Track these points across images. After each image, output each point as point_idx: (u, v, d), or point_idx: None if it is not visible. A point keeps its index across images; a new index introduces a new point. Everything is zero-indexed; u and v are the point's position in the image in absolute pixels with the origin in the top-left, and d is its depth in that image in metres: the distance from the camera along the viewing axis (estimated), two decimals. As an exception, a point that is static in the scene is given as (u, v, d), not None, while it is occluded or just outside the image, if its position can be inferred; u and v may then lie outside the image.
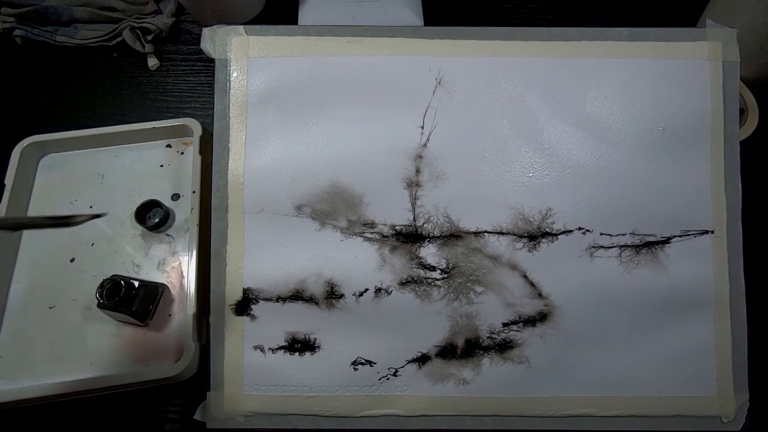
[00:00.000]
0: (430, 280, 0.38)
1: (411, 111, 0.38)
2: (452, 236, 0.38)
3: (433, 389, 0.38)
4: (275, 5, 0.58)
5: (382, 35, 0.39)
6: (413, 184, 0.38)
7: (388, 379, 0.38)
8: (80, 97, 0.54)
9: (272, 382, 0.38)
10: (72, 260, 0.44)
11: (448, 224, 0.38)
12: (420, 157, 0.38)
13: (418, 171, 0.38)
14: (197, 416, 0.38)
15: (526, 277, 0.38)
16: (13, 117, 0.53)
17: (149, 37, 0.55)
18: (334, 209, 0.38)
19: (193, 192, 0.44)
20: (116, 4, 0.55)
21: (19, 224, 0.40)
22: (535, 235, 0.38)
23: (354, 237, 0.38)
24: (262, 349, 0.38)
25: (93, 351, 0.40)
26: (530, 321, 0.38)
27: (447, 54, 0.39)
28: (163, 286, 0.42)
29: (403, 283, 0.38)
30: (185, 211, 0.45)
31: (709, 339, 0.37)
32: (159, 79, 0.55)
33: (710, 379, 0.37)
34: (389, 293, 0.38)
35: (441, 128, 0.39)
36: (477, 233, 0.38)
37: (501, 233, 0.38)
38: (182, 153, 0.48)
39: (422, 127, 0.38)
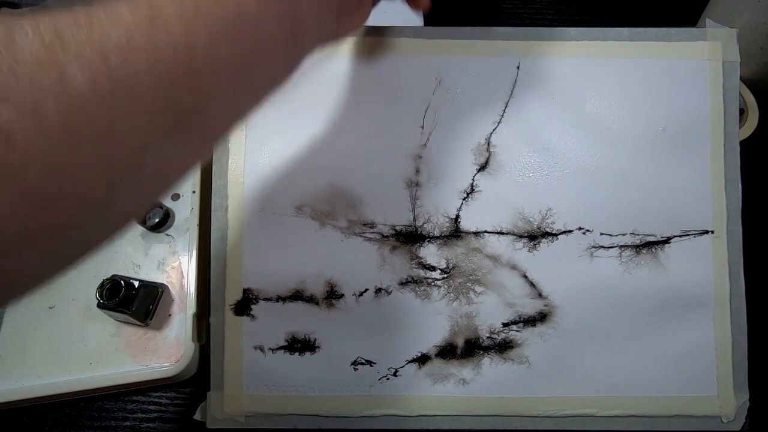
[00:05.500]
0: (430, 280, 0.38)
1: (411, 111, 0.38)
2: (452, 236, 0.38)
3: (433, 389, 0.38)
4: (275, 5, 0.58)
5: (382, 35, 0.39)
6: (413, 184, 0.38)
7: (388, 379, 0.38)
8: (80, 97, 0.54)
9: (272, 382, 0.38)
10: (72, 260, 0.44)
11: (447, 224, 0.38)
12: (420, 157, 0.38)
13: (417, 171, 0.38)
14: (197, 416, 0.38)
15: (526, 277, 0.38)
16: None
17: (149, 37, 0.55)
18: (334, 209, 0.38)
19: (193, 192, 0.44)
20: (116, 4, 0.55)
21: None
22: (535, 235, 0.38)
23: (354, 237, 0.38)
24: (262, 349, 0.38)
25: (93, 351, 0.40)
26: (530, 321, 0.38)
27: (447, 54, 0.39)
28: (163, 286, 0.42)
29: (403, 283, 0.38)
30: (185, 211, 0.45)
31: (709, 339, 0.37)
32: (159, 79, 0.55)
33: (710, 379, 0.37)
34: (389, 293, 0.38)
35: (441, 128, 0.38)
36: (477, 233, 0.38)
37: (501, 233, 0.38)
38: (182, 153, 0.48)
39: (422, 127, 0.38)
